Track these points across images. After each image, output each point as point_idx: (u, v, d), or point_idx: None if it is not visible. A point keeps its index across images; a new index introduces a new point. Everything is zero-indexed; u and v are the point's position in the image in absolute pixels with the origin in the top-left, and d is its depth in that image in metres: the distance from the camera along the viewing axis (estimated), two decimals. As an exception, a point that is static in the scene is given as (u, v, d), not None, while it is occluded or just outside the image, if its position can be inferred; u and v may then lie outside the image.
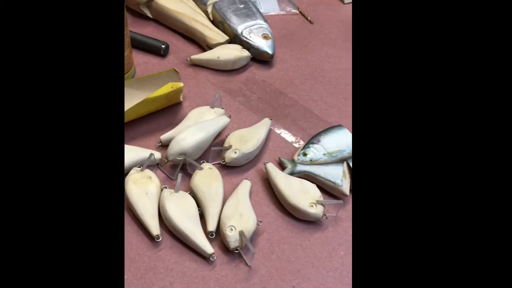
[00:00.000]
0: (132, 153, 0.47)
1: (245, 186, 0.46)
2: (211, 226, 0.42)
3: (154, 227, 0.42)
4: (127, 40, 0.53)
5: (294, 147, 0.53)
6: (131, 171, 0.45)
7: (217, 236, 0.43)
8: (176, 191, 0.44)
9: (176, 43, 0.64)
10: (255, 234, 0.44)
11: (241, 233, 0.41)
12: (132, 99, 0.53)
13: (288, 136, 0.54)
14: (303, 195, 0.45)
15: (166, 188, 0.45)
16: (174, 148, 0.46)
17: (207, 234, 0.42)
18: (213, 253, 0.41)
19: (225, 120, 0.49)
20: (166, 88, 0.50)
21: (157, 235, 0.42)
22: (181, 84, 0.51)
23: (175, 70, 0.53)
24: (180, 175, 0.45)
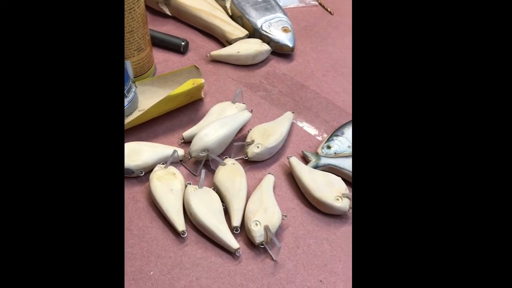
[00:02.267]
0: (155, 150, 0.47)
1: (268, 180, 0.46)
2: (236, 221, 0.42)
3: (180, 223, 0.42)
4: (147, 38, 0.53)
5: (318, 140, 0.52)
6: (155, 168, 0.45)
7: (241, 231, 0.43)
8: (200, 187, 0.44)
9: (195, 40, 0.64)
10: (280, 229, 0.44)
11: (266, 228, 0.41)
12: (153, 97, 0.54)
13: (311, 129, 0.53)
14: (328, 189, 0.44)
15: (190, 184, 0.45)
16: (197, 144, 0.46)
17: (232, 229, 0.42)
18: (238, 248, 0.41)
19: (247, 115, 0.49)
20: (187, 85, 0.50)
21: (183, 231, 0.42)
22: (202, 81, 0.50)
23: (196, 67, 0.53)
24: (203, 171, 0.45)
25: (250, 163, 0.49)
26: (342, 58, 0.63)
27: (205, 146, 0.45)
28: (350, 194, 0.44)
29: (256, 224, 0.41)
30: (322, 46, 0.64)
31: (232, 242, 0.41)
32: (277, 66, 0.61)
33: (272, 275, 0.41)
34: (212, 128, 0.46)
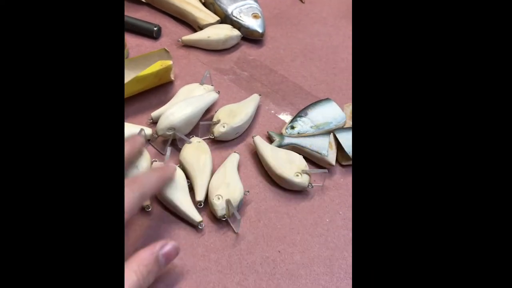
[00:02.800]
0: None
1: (233, 158, 0.48)
2: (200, 196, 0.44)
3: (144, 198, 0.43)
4: (118, 21, 0.54)
5: (284, 122, 0.54)
6: (122, 146, 0.47)
7: (206, 206, 0.44)
8: (166, 163, 0.45)
9: (168, 26, 0.65)
10: (243, 204, 0.46)
11: (228, 202, 0.43)
12: (124, 79, 0.55)
13: (278, 111, 0.55)
14: (289, 165, 0.46)
15: (156, 161, 0.46)
16: (163, 123, 0.47)
17: (196, 204, 0.44)
18: (201, 221, 0.43)
19: (213, 95, 0.51)
20: (155, 66, 0.51)
21: (147, 205, 0.43)
22: (170, 62, 0.52)
23: (166, 50, 0.54)
24: (169, 148, 0.46)
25: (216, 143, 0.51)
26: (311, 44, 0.64)
27: (171, 124, 0.47)
28: (309, 170, 0.46)
29: (218, 198, 0.43)
30: (292, 33, 0.66)
31: (195, 215, 0.43)
32: (247, 51, 0.63)
33: (233, 246, 0.42)
34: (179, 107, 0.48)
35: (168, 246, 0.36)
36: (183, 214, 0.43)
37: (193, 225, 0.43)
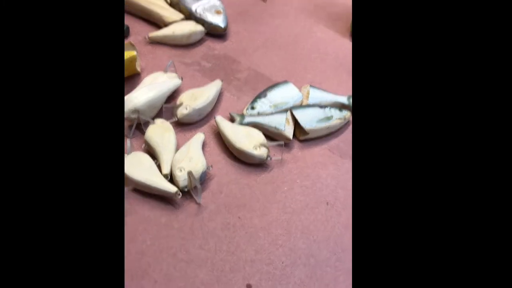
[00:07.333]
0: (91, 115, 0.50)
1: (198, 137, 0.50)
2: (165, 170, 0.46)
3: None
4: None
5: (246, 105, 0.57)
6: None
7: (171, 181, 0.47)
8: (129, 153, 0.47)
9: (137, 26, 0.69)
10: (207, 178, 0.48)
11: (190, 173, 0.45)
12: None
13: (240, 96, 0.58)
14: (248, 140, 0.49)
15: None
16: (127, 106, 0.50)
17: (164, 177, 0.46)
18: (177, 191, 0.44)
19: (176, 81, 0.53)
20: (121, 56, 0.54)
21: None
22: (134, 53, 0.55)
23: (131, 43, 0.57)
24: (129, 140, 0.48)
25: (181, 125, 0.53)
26: (272, 37, 0.68)
27: (134, 107, 0.50)
28: (266, 143, 0.49)
29: (181, 170, 0.45)
30: (255, 27, 0.70)
31: (169, 187, 0.44)
32: (212, 45, 0.66)
33: (195, 215, 0.45)
34: (142, 91, 0.51)
35: None
36: (157, 190, 0.45)
37: (159, 200, 0.45)
